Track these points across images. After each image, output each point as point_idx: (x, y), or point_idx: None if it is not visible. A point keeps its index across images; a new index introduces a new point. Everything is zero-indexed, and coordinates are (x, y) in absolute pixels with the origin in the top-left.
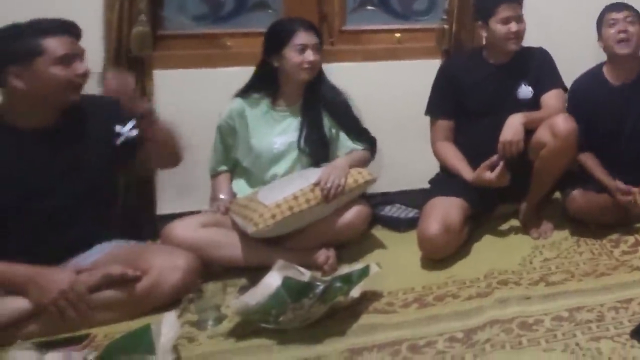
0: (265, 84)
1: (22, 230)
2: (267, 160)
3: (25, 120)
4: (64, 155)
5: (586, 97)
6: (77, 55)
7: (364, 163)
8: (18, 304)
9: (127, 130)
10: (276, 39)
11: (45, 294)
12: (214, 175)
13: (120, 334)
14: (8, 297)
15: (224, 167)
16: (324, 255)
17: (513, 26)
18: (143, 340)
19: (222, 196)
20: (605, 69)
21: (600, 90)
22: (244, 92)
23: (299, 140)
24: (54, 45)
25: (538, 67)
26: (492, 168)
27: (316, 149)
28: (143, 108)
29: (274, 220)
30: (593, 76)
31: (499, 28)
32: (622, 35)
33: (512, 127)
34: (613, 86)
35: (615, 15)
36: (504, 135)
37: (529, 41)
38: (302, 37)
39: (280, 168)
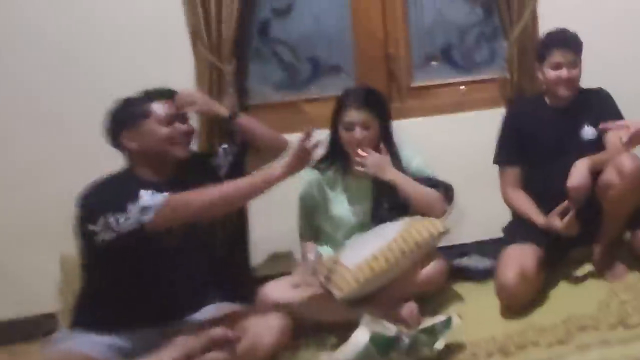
0: (338, 153)
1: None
2: (347, 228)
3: (146, 174)
4: None
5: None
6: (180, 115)
7: (435, 202)
8: None
9: (224, 154)
10: (335, 114)
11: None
12: (302, 239)
13: None
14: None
15: (310, 232)
16: (408, 309)
17: (564, 72)
18: None
19: (310, 257)
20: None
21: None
22: (319, 164)
23: (373, 209)
24: (158, 108)
25: (599, 107)
26: (562, 215)
27: (391, 214)
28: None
29: (357, 284)
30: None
31: (549, 73)
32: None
33: (579, 172)
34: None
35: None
36: (572, 181)
37: (589, 83)
38: (352, 115)
39: (356, 234)
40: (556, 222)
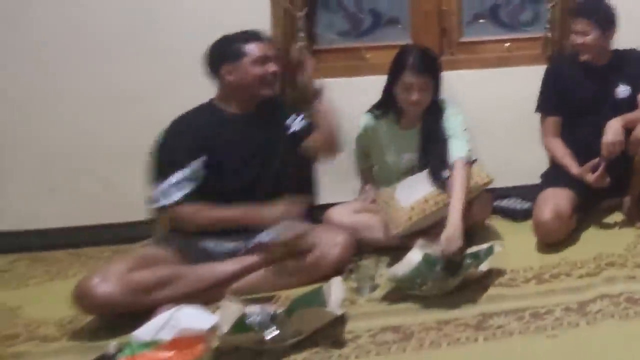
0: (391, 104)
1: (230, 195)
2: (396, 174)
3: (231, 107)
4: (256, 137)
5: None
6: (270, 57)
7: (468, 180)
8: (223, 268)
9: (297, 122)
10: (392, 71)
11: (275, 213)
12: (359, 169)
13: (298, 294)
14: (217, 263)
15: (364, 165)
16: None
17: (578, 39)
18: (318, 297)
19: (367, 188)
20: None
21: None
22: (375, 109)
23: (419, 158)
24: (254, 49)
25: (634, 66)
26: (594, 169)
27: (433, 165)
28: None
29: (410, 222)
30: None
31: (572, 38)
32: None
33: (613, 129)
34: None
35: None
36: (606, 137)
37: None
38: (411, 78)
39: (405, 177)
40: (588, 175)
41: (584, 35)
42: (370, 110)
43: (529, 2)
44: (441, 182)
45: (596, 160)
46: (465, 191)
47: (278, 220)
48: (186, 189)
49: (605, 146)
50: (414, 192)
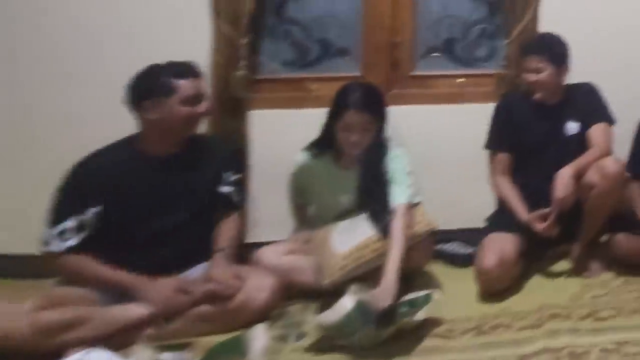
0: (330, 142)
1: (136, 245)
2: (332, 216)
3: (153, 148)
4: (180, 180)
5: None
6: (202, 95)
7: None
8: (134, 311)
9: (229, 189)
10: (333, 109)
11: (154, 296)
12: (293, 207)
13: (217, 343)
14: (124, 305)
15: (300, 203)
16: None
17: (532, 77)
18: (237, 347)
19: (302, 227)
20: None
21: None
22: (312, 146)
23: (357, 201)
24: (186, 86)
25: (584, 102)
26: (544, 218)
27: (372, 209)
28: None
29: (344, 271)
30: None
31: (525, 76)
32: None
33: (563, 182)
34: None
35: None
36: (557, 192)
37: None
38: (352, 117)
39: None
40: (537, 224)
41: (537, 72)
42: (308, 148)
43: (486, 38)
44: (382, 227)
45: (546, 210)
46: (406, 240)
47: (159, 306)
48: (76, 239)
49: (556, 201)
50: (351, 237)
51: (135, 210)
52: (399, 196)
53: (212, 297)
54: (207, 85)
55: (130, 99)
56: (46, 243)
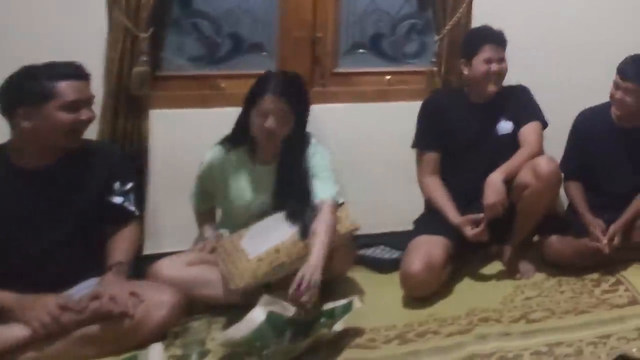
0: (245, 135)
1: (13, 263)
2: (244, 215)
3: (27, 160)
4: (58, 195)
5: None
6: (85, 101)
7: (335, 225)
8: (15, 332)
9: (120, 199)
10: (250, 96)
11: (31, 312)
12: (198, 213)
13: None
14: (4, 326)
15: (203, 207)
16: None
17: (494, 66)
18: None
19: (207, 235)
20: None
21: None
22: (226, 142)
23: (274, 199)
24: (66, 90)
25: (517, 102)
26: (475, 223)
27: (291, 207)
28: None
29: (255, 278)
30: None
31: (480, 67)
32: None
33: (494, 188)
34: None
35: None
36: (488, 198)
37: (518, 79)
38: (268, 102)
39: (254, 220)
40: (467, 229)
41: (500, 62)
42: (220, 142)
43: (415, 34)
44: (301, 226)
45: (477, 215)
46: (332, 237)
47: (37, 326)
48: None
49: (487, 207)
50: (264, 241)
51: (5, 226)
52: (323, 192)
53: (102, 316)
54: (91, 89)
55: (4, 104)
56: None
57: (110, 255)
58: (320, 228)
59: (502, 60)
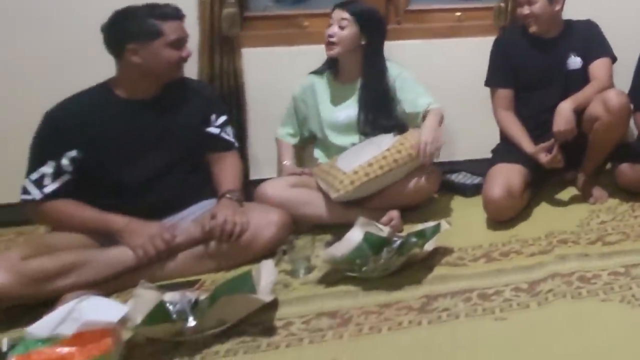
0: (331, 61)
1: (122, 190)
2: (333, 131)
3: (132, 92)
4: (161, 123)
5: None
6: (184, 39)
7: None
8: (128, 254)
9: (217, 130)
10: None
11: (136, 239)
12: (279, 139)
13: (224, 279)
14: (118, 248)
15: (290, 137)
16: (387, 216)
17: (524, 10)
18: (246, 283)
19: (285, 162)
20: None
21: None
22: (318, 69)
23: (358, 114)
24: (170, 29)
25: (585, 38)
26: (548, 150)
27: (375, 122)
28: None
29: (352, 186)
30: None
31: (519, 10)
32: None
33: (563, 116)
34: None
35: None
36: (557, 125)
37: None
38: (333, 13)
39: (346, 138)
40: (541, 156)
41: (530, 4)
42: (313, 71)
43: None
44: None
45: (550, 142)
46: (439, 126)
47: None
48: (55, 185)
49: (557, 134)
50: (357, 158)
51: (115, 155)
52: (423, 100)
53: (218, 235)
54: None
55: (112, 41)
56: (24, 191)
57: (220, 185)
58: (428, 119)
59: (530, 2)
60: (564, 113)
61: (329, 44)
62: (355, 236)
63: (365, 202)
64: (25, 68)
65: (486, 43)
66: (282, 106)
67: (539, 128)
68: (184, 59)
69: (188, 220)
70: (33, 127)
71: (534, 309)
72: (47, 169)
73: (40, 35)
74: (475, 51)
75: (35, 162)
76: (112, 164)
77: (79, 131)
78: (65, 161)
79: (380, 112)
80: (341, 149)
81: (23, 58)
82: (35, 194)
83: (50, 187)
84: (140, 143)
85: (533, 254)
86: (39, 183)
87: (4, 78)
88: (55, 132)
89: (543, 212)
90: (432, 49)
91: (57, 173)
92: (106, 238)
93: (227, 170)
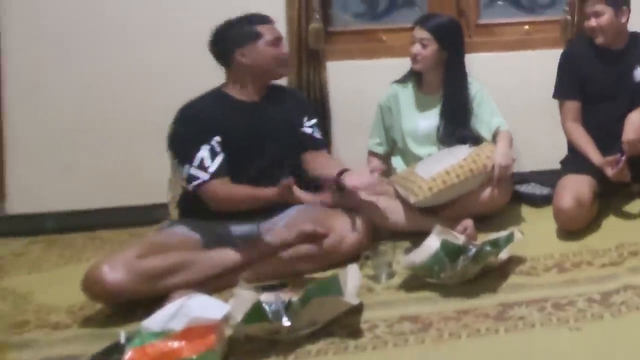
0: (414, 71)
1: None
2: (413, 140)
3: (242, 94)
4: (269, 122)
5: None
6: (280, 38)
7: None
8: (230, 255)
9: (310, 130)
10: None
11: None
12: (370, 152)
13: (313, 283)
14: (220, 250)
15: (379, 148)
16: (462, 225)
17: (592, 22)
18: (333, 286)
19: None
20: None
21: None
22: (401, 78)
23: (439, 124)
24: (266, 31)
25: None
26: (615, 163)
27: (454, 133)
28: None
29: (431, 192)
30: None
31: (586, 22)
32: None
33: (633, 125)
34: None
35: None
36: (627, 134)
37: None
38: (414, 32)
39: (425, 148)
40: (608, 170)
41: (596, 17)
42: (397, 80)
43: None
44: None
45: (617, 156)
46: (509, 148)
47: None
48: (214, 165)
49: (626, 145)
50: (434, 166)
51: (236, 151)
52: (498, 123)
53: (311, 237)
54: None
55: (221, 53)
56: (191, 178)
57: (331, 169)
58: (500, 140)
59: (597, 14)
60: (633, 123)
61: (413, 60)
62: (432, 244)
63: (440, 210)
64: (155, 70)
65: (554, 55)
66: (363, 116)
67: (605, 140)
68: (285, 55)
69: (280, 225)
70: (156, 132)
71: (608, 320)
72: (203, 152)
73: (173, 40)
74: (543, 63)
75: (189, 151)
76: (234, 159)
77: (213, 122)
78: (214, 144)
79: (459, 123)
80: (419, 159)
81: (154, 60)
82: (203, 176)
83: (212, 166)
84: (255, 140)
85: (604, 265)
86: (201, 166)
87: (137, 82)
88: (198, 121)
89: (612, 224)
90: (501, 62)
91: (213, 154)
92: (209, 239)
93: (327, 162)
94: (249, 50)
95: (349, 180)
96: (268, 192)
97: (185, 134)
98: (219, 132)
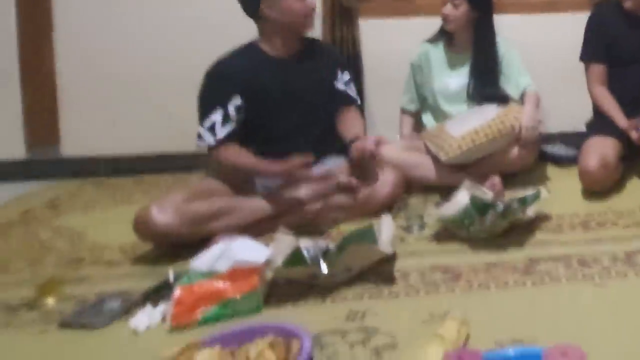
0: (445, 30)
1: (270, 140)
2: (444, 98)
3: (273, 48)
4: (303, 78)
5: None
6: None
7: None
8: (262, 205)
9: (343, 86)
10: None
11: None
12: (402, 110)
13: (350, 231)
14: (252, 199)
15: (411, 106)
16: (490, 181)
17: None
18: (369, 235)
19: (405, 132)
20: None
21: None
22: (432, 37)
23: (469, 82)
24: None
25: None
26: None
27: (484, 91)
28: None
29: (460, 150)
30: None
31: None
32: None
33: None
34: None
35: None
36: None
37: None
38: None
39: (455, 105)
40: (633, 133)
41: None
42: (428, 39)
43: None
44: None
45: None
46: (536, 110)
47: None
48: (224, 131)
49: None
50: (464, 125)
51: (267, 106)
52: (527, 83)
53: (347, 188)
54: None
55: (249, 5)
56: (200, 138)
57: (349, 132)
58: (527, 102)
59: None
60: None
61: (445, 20)
62: (462, 198)
63: (469, 166)
64: (195, 22)
65: (581, 18)
66: (395, 73)
67: (631, 104)
68: (312, 9)
69: (318, 172)
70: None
71: (632, 278)
72: (217, 116)
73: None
74: (569, 26)
75: (206, 110)
76: (265, 114)
77: (240, 79)
78: (231, 109)
79: (489, 82)
80: (449, 116)
81: (194, 12)
82: (210, 140)
83: (220, 133)
84: (287, 95)
85: (628, 225)
86: (211, 130)
87: (177, 34)
88: (221, 80)
89: (635, 186)
90: (528, 24)
91: (225, 121)
92: (240, 189)
93: (352, 123)
94: (274, 3)
95: (353, 149)
96: (272, 167)
97: (207, 92)
98: (246, 92)
